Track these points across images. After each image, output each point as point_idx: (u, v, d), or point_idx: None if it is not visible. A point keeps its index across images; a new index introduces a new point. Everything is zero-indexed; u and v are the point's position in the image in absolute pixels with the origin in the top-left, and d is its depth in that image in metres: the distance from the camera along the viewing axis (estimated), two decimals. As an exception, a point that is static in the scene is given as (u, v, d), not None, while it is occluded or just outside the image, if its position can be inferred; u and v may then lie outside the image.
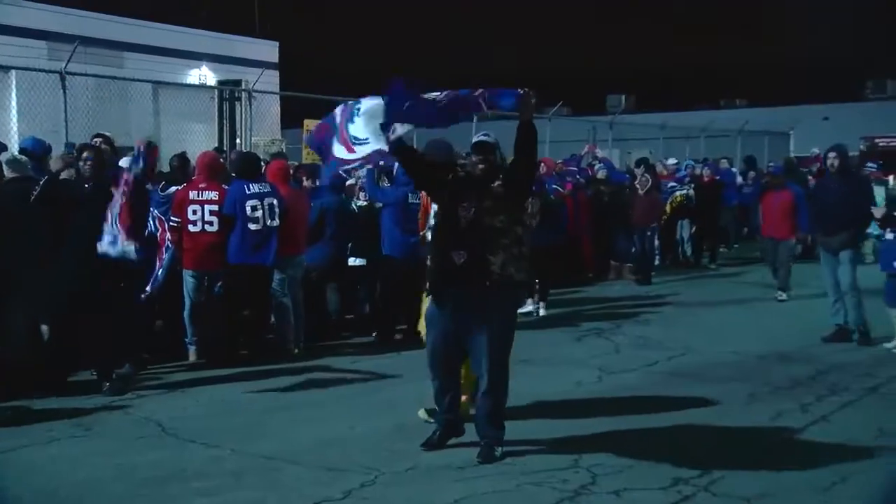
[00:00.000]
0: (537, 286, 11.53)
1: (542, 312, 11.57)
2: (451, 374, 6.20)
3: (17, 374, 7.78)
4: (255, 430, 6.72)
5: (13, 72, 14.36)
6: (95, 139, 9.10)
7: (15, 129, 13.75)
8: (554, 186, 13.26)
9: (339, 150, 6.56)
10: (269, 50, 22.80)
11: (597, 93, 37.26)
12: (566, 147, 19.31)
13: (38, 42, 15.49)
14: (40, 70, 12.58)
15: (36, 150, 8.74)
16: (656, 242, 15.69)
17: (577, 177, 15.17)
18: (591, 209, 14.64)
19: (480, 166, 6.13)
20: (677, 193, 16.29)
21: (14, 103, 15.02)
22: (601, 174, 15.58)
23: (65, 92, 10.99)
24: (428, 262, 6.39)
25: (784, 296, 12.59)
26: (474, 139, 6.29)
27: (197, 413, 7.27)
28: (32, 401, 7.51)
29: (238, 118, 16.60)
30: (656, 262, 15.78)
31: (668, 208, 15.96)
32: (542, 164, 14.13)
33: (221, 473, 5.75)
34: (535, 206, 11.34)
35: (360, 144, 6.46)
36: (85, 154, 8.11)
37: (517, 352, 9.30)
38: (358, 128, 6.49)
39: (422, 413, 6.60)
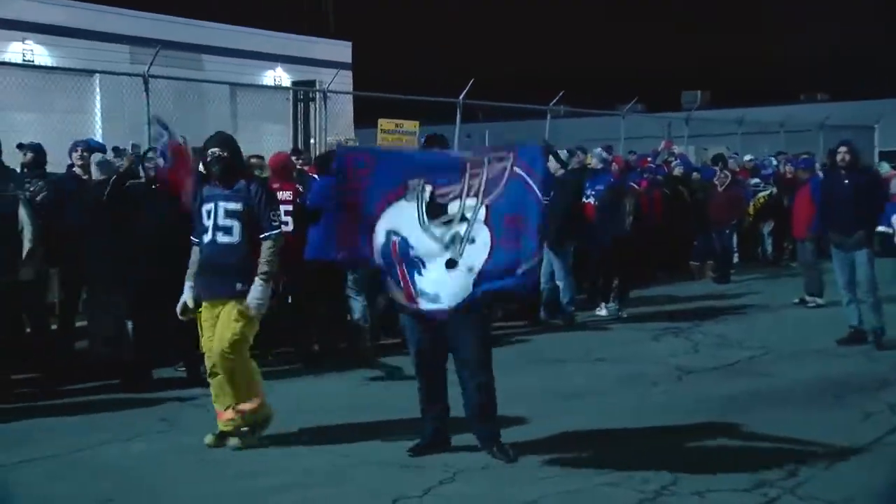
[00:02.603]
0: (614, 285, 11.45)
1: (619, 313, 11.44)
2: (435, 379, 6.10)
3: (106, 370, 8.02)
4: (332, 427, 6.75)
5: (97, 76, 14.72)
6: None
7: (100, 131, 14.08)
8: (630, 185, 13.13)
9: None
10: (342, 50, 22.96)
11: (672, 89, 36.74)
12: (640, 144, 19.09)
13: (121, 47, 15.84)
14: (124, 74, 12.87)
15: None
16: (735, 240, 15.41)
17: (654, 174, 14.96)
18: (667, 207, 14.43)
19: None
20: (760, 195, 15.97)
21: (98, 106, 15.40)
22: (677, 171, 15.35)
23: (147, 95, 11.21)
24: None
25: (815, 301, 11.84)
26: None
27: (281, 410, 7.30)
28: (118, 395, 7.71)
29: (312, 119, 16.79)
30: (735, 260, 15.49)
31: (751, 209, 15.61)
32: (614, 164, 14.02)
33: (298, 470, 5.79)
34: (630, 206, 11.25)
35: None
36: (150, 154, 8.29)
37: (594, 349, 9.21)
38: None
39: (208, 439, 6.28)
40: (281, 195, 8.94)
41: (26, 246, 7.59)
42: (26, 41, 16.49)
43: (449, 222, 5.78)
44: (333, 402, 7.60)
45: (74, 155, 8.66)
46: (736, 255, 15.76)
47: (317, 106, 16.42)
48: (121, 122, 10.17)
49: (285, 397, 7.78)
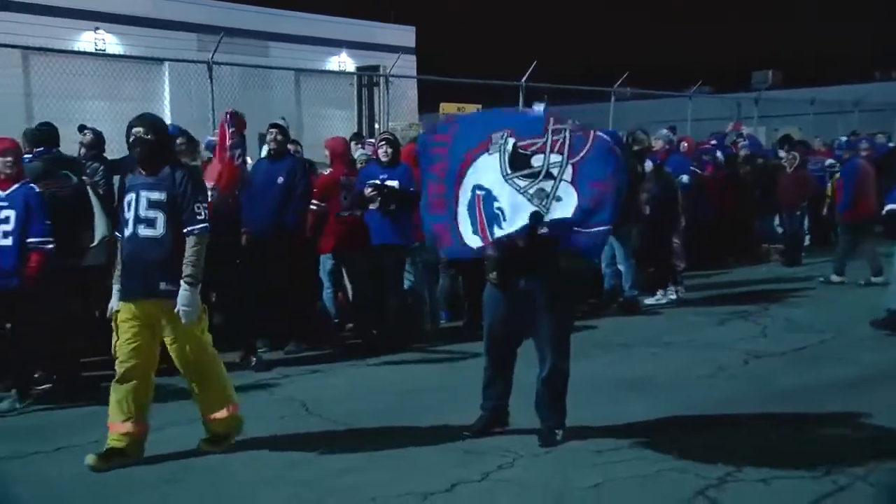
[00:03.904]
0: (674, 269, 11.28)
1: (675, 296, 11.24)
2: (504, 361, 6.07)
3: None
4: (393, 411, 6.78)
5: (166, 63, 14.93)
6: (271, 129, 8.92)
7: (169, 119, 14.29)
8: (692, 168, 12.91)
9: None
10: (406, 35, 22.95)
11: (742, 70, 36.02)
12: (707, 126, 18.76)
13: (189, 35, 16.05)
14: (189, 61, 13.02)
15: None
16: (807, 223, 15.04)
17: (718, 155, 14.67)
18: (734, 189, 14.17)
19: None
20: (837, 175, 15.55)
21: (167, 93, 15.63)
22: (744, 151, 15.05)
23: (212, 81, 11.33)
24: (489, 251, 5.98)
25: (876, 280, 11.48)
26: None
27: (337, 394, 7.39)
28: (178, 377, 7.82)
29: (376, 103, 16.82)
30: (806, 243, 15.13)
31: (829, 190, 15.19)
32: (684, 143, 13.79)
33: (360, 454, 5.81)
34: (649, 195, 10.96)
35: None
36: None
37: (659, 334, 9.09)
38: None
39: (90, 459, 5.56)
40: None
41: (100, 232, 7.72)
42: (98, 30, 16.80)
43: (533, 175, 5.64)
44: (393, 385, 7.63)
45: None
46: (808, 237, 15.38)
47: (380, 91, 16.44)
48: (188, 109, 10.26)
49: (347, 381, 7.86)
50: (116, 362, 5.65)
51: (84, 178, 7.93)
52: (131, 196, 5.63)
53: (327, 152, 9.42)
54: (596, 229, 5.58)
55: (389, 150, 8.90)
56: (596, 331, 9.57)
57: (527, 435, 5.96)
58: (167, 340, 5.68)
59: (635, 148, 11.47)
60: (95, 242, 7.76)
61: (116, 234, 5.92)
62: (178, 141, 7.71)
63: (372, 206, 8.72)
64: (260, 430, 6.29)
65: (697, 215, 12.70)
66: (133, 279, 5.60)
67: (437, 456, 5.73)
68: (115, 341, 5.66)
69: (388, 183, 8.75)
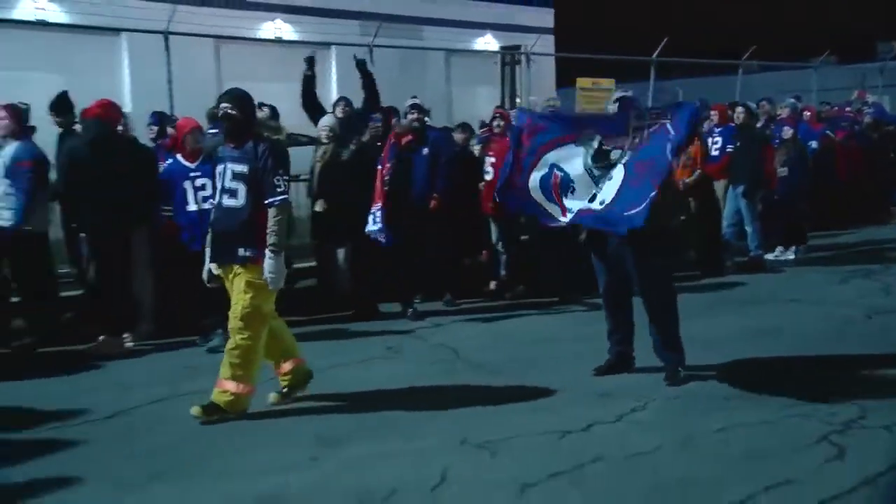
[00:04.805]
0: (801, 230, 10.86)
1: (793, 255, 10.83)
2: (618, 311, 6.19)
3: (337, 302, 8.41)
4: (532, 360, 6.78)
5: (333, 48, 15.22)
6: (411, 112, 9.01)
7: (335, 95, 14.57)
8: (826, 132, 12.30)
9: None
10: (545, 16, 22.61)
11: (866, 41, 33.85)
12: (832, 96, 17.76)
13: (351, 22, 16.27)
14: (352, 45, 13.23)
15: None
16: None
17: (867, 117, 13.94)
18: (862, 155, 13.44)
19: None
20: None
21: (334, 78, 15.92)
22: (868, 119, 14.20)
23: (372, 63, 11.48)
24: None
25: None
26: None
27: (484, 343, 7.42)
28: (349, 324, 8.08)
29: (518, 80, 16.74)
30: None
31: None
32: (806, 112, 13.15)
33: (502, 395, 5.83)
34: (781, 159, 10.70)
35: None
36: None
37: (783, 291, 8.76)
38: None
39: (195, 410, 5.40)
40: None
41: None
42: (276, 20, 17.28)
43: (609, 166, 5.85)
44: (534, 334, 7.66)
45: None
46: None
47: (521, 68, 16.38)
48: (352, 91, 10.44)
49: (493, 330, 7.92)
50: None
51: None
52: (221, 167, 5.51)
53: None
54: (631, 212, 5.57)
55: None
56: (724, 289, 9.30)
57: (657, 382, 5.90)
58: (232, 297, 5.46)
59: (763, 118, 11.12)
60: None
61: (211, 200, 5.77)
62: (260, 114, 7.58)
63: None
64: (416, 373, 6.43)
65: (827, 179, 12.17)
66: (219, 246, 5.50)
67: (574, 399, 5.71)
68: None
69: None
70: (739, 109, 10.67)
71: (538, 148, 6.05)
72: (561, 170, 5.98)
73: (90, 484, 4.57)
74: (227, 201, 5.43)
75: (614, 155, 5.87)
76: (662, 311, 5.97)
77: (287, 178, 5.52)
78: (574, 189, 5.93)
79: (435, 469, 4.52)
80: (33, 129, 7.71)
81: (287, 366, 5.71)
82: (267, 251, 5.30)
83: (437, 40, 17.09)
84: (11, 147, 7.28)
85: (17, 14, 13.74)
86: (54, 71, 12.50)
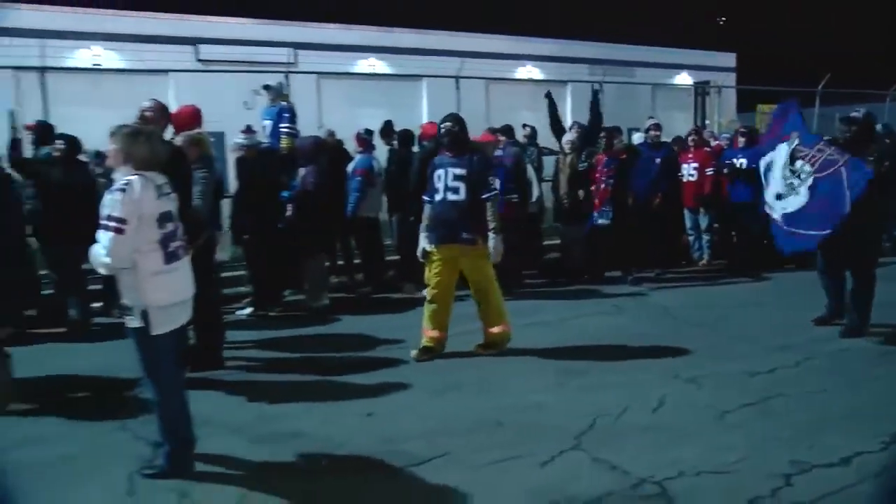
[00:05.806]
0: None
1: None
2: (833, 279, 5.98)
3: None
4: (730, 316, 6.57)
5: (568, 85, 15.27)
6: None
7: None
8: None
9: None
10: (729, 59, 21.54)
11: None
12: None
13: (580, 66, 16.17)
14: (582, 81, 13.09)
15: None
16: None
17: None
18: None
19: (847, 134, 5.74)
20: None
21: (569, 108, 15.61)
22: None
23: (602, 93, 11.14)
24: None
25: None
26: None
27: (690, 303, 7.21)
28: (584, 285, 8.05)
29: (707, 107, 16.25)
30: None
31: None
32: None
33: (704, 344, 5.64)
34: None
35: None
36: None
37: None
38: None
39: (413, 353, 5.47)
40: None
41: (534, 194, 8.18)
42: (527, 66, 17.63)
43: (793, 172, 5.72)
44: (734, 297, 7.41)
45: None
46: None
47: (710, 98, 15.87)
48: (579, 116, 10.43)
49: (700, 294, 7.59)
50: (427, 288, 5.55)
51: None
52: (441, 171, 5.42)
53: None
54: (805, 232, 5.52)
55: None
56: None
57: (820, 339, 5.69)
58: (465, 271, 5.49)
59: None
60: (533, 199, 8.15)
61: (425, 197, 5.58)
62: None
63: None
64: (637, 325, 6.40)
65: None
66: (443, 230, 5.40)
67: (765, 349, 5.54)
68: (427, 273, 5.54)
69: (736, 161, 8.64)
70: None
71: (781, 136, 5.99)
72: (770, 168, 5.93)
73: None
74: (451, 196, 5.35)
75: (798, 164, 5.70)
76: (862, 285, 5.78)
77: (494, 177, 5.50)
78: (769, 182, 5.91)
79: (654, 396, 4.51)
80: (373, 146, 8.17)
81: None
82: (491, 234, 5.32)
83: (647, 77, 17.02)
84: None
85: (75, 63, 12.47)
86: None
